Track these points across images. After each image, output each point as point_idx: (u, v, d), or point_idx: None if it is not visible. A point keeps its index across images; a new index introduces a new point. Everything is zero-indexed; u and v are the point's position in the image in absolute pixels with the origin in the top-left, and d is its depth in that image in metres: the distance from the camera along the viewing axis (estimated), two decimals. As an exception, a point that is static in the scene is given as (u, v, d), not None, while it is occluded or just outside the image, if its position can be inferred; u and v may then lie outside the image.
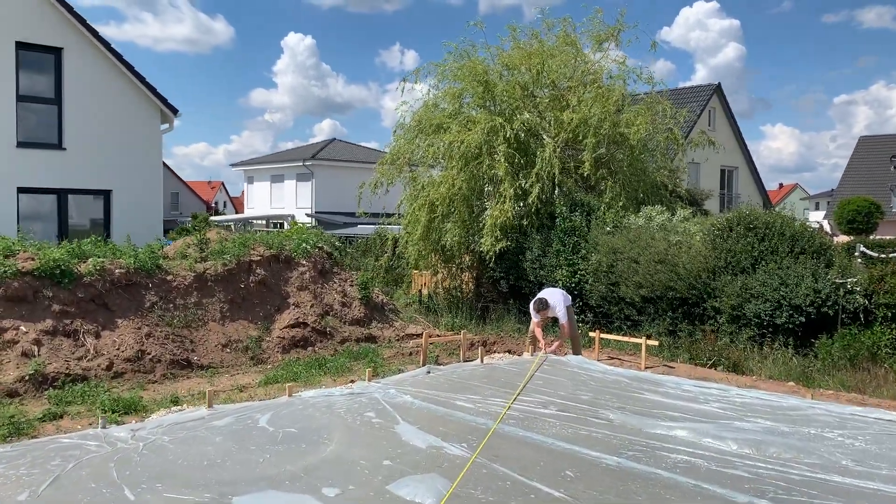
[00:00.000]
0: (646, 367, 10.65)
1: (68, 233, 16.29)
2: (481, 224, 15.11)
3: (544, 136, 15.41)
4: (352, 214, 27.28)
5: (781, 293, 11.11)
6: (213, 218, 48.36)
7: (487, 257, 14.88)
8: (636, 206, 15.04)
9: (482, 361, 9.02)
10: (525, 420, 6.56)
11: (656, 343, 10.84)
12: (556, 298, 10.26)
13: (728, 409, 7.10)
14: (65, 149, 16.55)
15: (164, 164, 66.51)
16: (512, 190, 14.47)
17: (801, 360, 10.65)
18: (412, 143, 16.35)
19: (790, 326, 10.96)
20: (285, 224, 41.25)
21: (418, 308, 16.70)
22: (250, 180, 49.28)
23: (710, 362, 11.18)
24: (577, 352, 10.35)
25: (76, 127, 16.67)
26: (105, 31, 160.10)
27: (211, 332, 11.02)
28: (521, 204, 15.26)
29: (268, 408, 7.01)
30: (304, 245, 12.76)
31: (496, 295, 15.92)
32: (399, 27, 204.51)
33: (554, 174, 14.69)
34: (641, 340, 10.67)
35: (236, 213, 64.78)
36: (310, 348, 11.51)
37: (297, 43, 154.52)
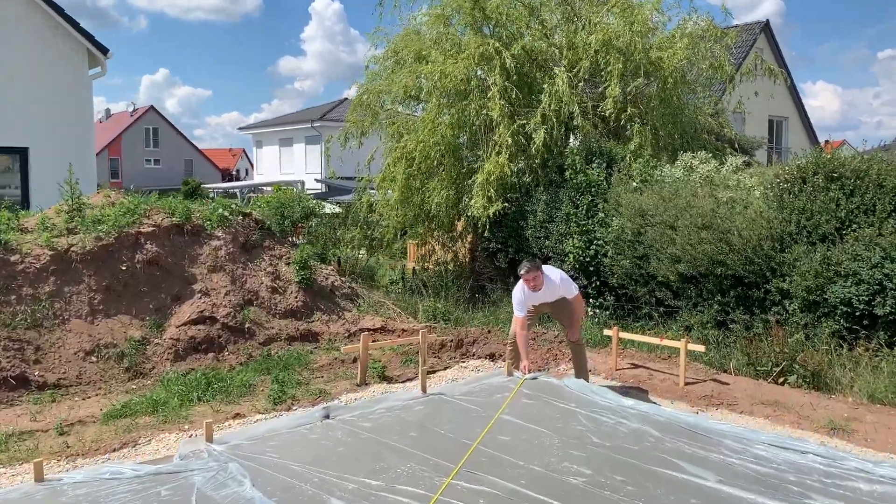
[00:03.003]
0: (686, 383, 7.25)
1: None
2: (475, 182, 11.70)
3: (554, 67, 11.86)
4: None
5: (885, 270, 7.61)
6: (214, 185, 45.60)
7: (480, 224, 11.52)
8: (671, 155, 11.50)
9: (424, 391, 5.70)
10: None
11: (702, 348, 7.41)
12: (552, 271, 6.82)
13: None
14: (-36, 96, 13.47)
15: (176, 129, 64.47)
16: (510, 137, 11.01)
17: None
18: (389, 79, 12.91)
19: (899, 319, 7.49)
20: (295, 190, 38.21)
21: (401, 288, 13.43)
22: (259, 144, 46.29)
23: (778, 369, 7.74)
24: (581, 371, 6.91)
25: (-21, 69, 13.56)
26: (134, 1, 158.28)
27: (71, 334, 7.87)
28: (523, 155, 11.81)
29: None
30: (220, 211, 9.51)
31: (493, 271, 12.55)
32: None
33: (566, 114, 11.18)
34: (680, 344, 7.27)
35: (255, 180, 61.94)
36: (214, 353, 8.31)
37: (324, 8, 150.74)
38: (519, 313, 6.63)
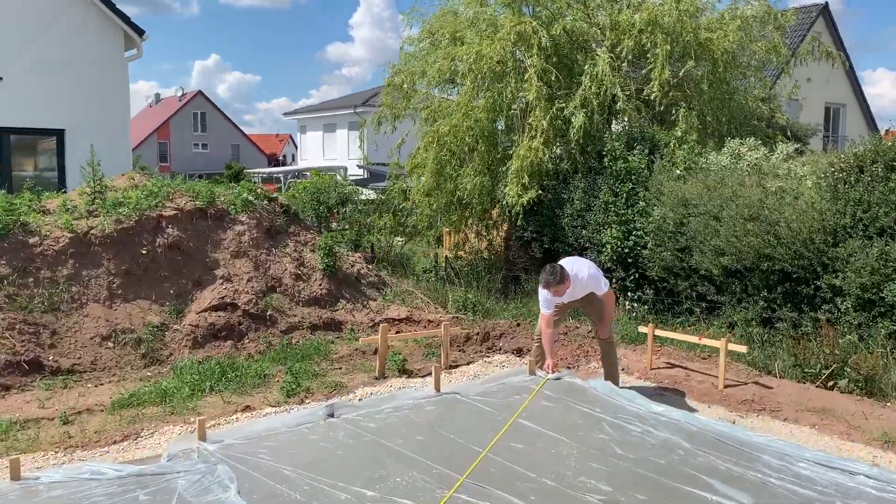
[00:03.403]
0: (725, 385, 6.75)
1: (12, 182, 13.38)
2: (509, 168, 11.24)
3: (596, 49, 11.31)
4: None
5: (950, 269, 6.98)
6: (258, 170, 45.86)
7: (514, 212, 11.09)
8: (718, 142, 10.87)
9: (438, 390, 5.32)
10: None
11: (743, 349, 6.88)
12: (581, 266, 6.32)
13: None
14: (1, 78, 13.50)
15: (223, 114, 65.06)
16: (545, 120, 10.52)
17: None
18: (423, 60, 12.49)
19: (967, 323, 6.87)
20: (337, 177, 38.15)
21: (434, 277, 13.10)
22: (303, 130, 46.40)
23: (828, 372, 7.18)
24: (610, 371, 6.44)
25: (15, 51, 13.57)
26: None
27: (88, 319, 7.71)
28: (562, 140, 11.30)
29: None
30: (244, 195, 9.25)
31: (528, 261, 12.09)
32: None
33: (607, 97, 10.64)
34: (720, 344, 6.76)
35: (306, 167, 62.06)
36: (233, 341, 8.08)
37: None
38: (545, 310, 6.19)
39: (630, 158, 10.30)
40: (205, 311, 8.26)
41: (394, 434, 4.52)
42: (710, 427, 4.64)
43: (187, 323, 8.10)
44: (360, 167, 38.26)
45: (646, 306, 9.98)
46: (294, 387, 6.52)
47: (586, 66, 10.75)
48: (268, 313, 8.55)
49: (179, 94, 62.83)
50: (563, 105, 10.65)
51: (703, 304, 9.22)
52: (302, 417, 4.81)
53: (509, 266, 12.36)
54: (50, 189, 10.51)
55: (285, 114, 47.71)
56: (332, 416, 4.81)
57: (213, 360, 7.28)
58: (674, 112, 11.12)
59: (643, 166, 10.26)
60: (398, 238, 16.01)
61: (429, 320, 9.11)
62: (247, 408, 6.09)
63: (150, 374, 7.33)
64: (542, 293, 6.14)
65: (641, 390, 6.76)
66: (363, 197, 18.13)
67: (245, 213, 9.22)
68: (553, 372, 5.84)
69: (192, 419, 5.84)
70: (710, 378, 7.00)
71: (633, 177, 10.24)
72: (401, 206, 14.07)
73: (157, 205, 8.68)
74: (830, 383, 7.04)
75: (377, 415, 4.83)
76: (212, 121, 62.09)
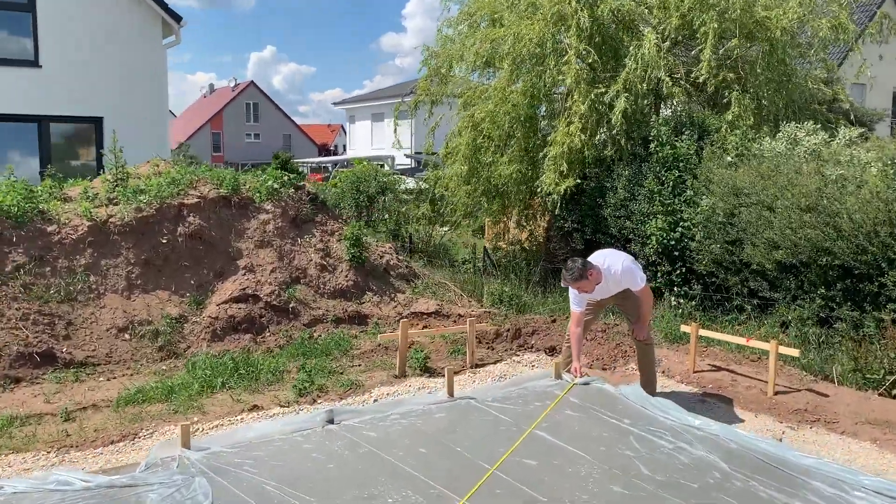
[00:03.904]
0: (775, 392, 6.14)
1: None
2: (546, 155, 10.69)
3: (643, 29, 10.65)
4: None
5: None
6: (306, 159, 45.97)
7: (550, 202, 10.55)
8: (774, 127, 10.12)
9: (451, 395, 4.85)
10: None
11: (796, 353, 6.24)
12: (615, 259, 5.73)
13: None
14: (41, 66, 13.51)
15: (275, 104, 65.62)
16: (584, 105, 9.92)
17: None
18: (461, 44, 12.00)
19: None
20: (385, 166, 37.94)
21: (472, 268, 12.64)
22: (352, 119, 46.40)
23: (893, 379, 6.50)
24: (647, 377, 5.88)
25: (55, 39, 13.56)
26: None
27: (104, 310, 7.50)
28: (606, 126, 10.68)
29: None
30: (270, 182, 8.93)
31: (569, 253, 11.51)
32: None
33: (654, 80, 9.99)
34: (769, 346, 6.14)
35: (356, 157, 62.08)
36: (252, 335, 7.77)
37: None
38: (576, 307, 5.67)
39: (678, 144, 9.66)
40: (225, 302, 7.98)
41: (395, 445, 4.09)
42: (752, 445, 4.08)
43: (207, 315, 7.83)
44: (407, 156, 37.98)
45: (692, 302, 9.35)
46: (307, 385, 6.16)
47: (630, 48, 10.11)
48: (290, 305, 8.22)
49: (233, 84, 63.51)
50: (604, 89, 10.03)
51: (755, 301, 8.56)
52: (299, 423, 4.42)
53: (549, 258, 11.82)
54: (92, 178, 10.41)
55: (335, 103, 47.81)
56: (331, 422, 4.41)
57: (228, 355, 6.97)
58: (726, 95, 10.40)
59: (691, 153, 9.60)
60: (443, 228, 15.60)
61: (459, 315, 8.67)
62: (255, 407, 5.76)
63: (165, 367, 7.07)
64: (570, 289, 5.63)
65: (682, 396, 6.21)
66: (406, 186, 17.76)
67: (270, 201, 8.90)
68: (580, 376, 5.33)
69: (196, 418, 5.53)
70: (758, 383, 6.39)
71: (680, 164, 9.60)
72: (439, 195, 13.64)
73: (180, 192, 8.42)
74: (895, 391, 6.37)
75: (381, 422, 4.41)
76: (264, 111, 62.62)
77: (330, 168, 39.30)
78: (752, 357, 7.12)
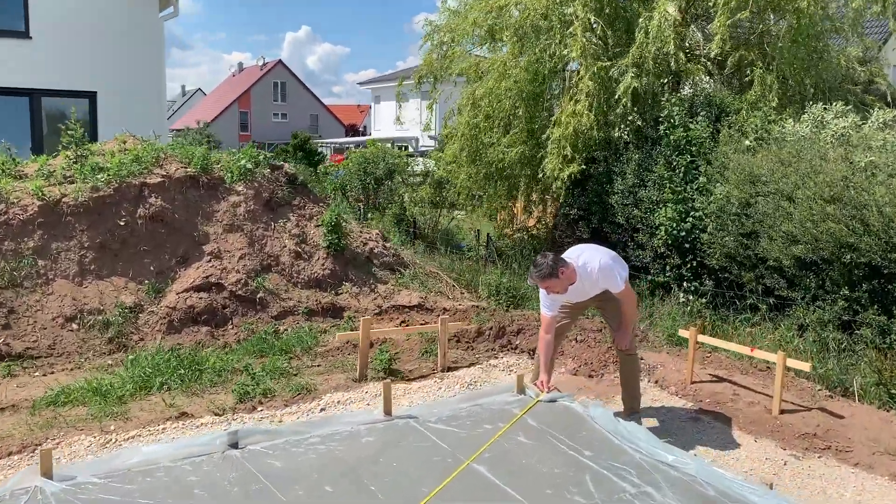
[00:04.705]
0: (782, 410, 5.33)
1: (44, 146, 12.94)
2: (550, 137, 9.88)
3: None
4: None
5: None
6: (328, 140, 45.41)
7: (555, 187, 9.75)
8: (800, 109, 9.18)
9: (388, 413, 4.11)
10: None
11: (806, 366, 5.41)
12: (592, 255, 4.91)
13: None
14: (31, 38, 13.00)
15: (303, 84, 65.08)
16: (591, 82, 9.08)
17: None
18: (464, 17, 11.19)
19: None
20: (409, 147, 37.18)
21: (476, 256, 11.92)
22: (377, 100, 45.66)
23: (922, 397, 5.65)
24: (629, 392, 5.09)
25: (46, 9, 13.03)
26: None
27: (52, 297, 6.92)
28: (617, 106, 9.83)
29: None
30: (242, 161, 8.26)
31: (575, 242, 10.66)
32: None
33: (667, 54, 9.10)
34: (777, 358, 5.32)
35: (385, 137, 61.42)
36: (210, 327, 7.15)
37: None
38: (546, 311, 4.92)
39: (692, 126, 8.79)
40: (186, 291, 7.36)
41: (299, 480, 3.40)
42: (735, 492, 3.32)
43: (164, 304, 7.22)
44: (431, 138, 37.17)
45: (703, 299, 8.51)
46: (251, 389, 5.51)
47: (643, 19, 9.24)
48: (259, 296, 7.58)
49: (261, 63, 63.09)
50: (611, 64, 9.18)
51: (771, 301, 7.71)
52: (197, 446, 3.75)
53: (554, 246, 11.02)
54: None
55: (360, 83, 47.23)
56: (235, 445, 3.74)
57: (173, 352, 6.34)
58: (749, 74, 9.48)
59: (706, 136, 8.73)
60: (458, 212, 14.84)
61: (444, 308, 7.95)
62: (183, 415, 5.12)
63: (111, 361, 6.49)
64: (540, 289, 4.89)
65: (673, 412, 5.45)
66: (418, 168, 17.00)
67: (243, 182, 8.25)
68: (547, 391, 4.58)
69: (112, 427, 4.90)
70: (764, 398, 5.58)
71: (693, 147, 8.74)
72: (445, 178, 12.90)
73: (143, 171, 7.79)
74: (922, 412, 5.52)
75: (295, 447, 3.73)
76: (291, 91, 62.14)
77: (353, 149, 38.75)
78: (761, 366, 6.30)
